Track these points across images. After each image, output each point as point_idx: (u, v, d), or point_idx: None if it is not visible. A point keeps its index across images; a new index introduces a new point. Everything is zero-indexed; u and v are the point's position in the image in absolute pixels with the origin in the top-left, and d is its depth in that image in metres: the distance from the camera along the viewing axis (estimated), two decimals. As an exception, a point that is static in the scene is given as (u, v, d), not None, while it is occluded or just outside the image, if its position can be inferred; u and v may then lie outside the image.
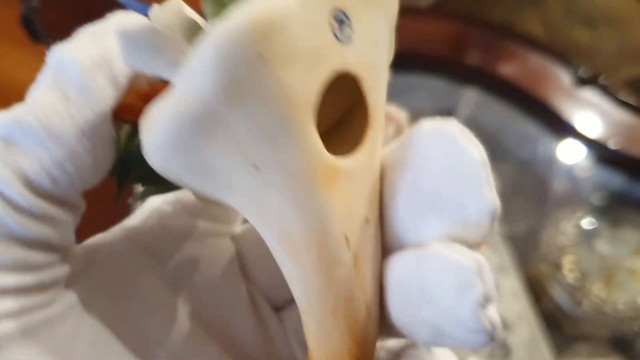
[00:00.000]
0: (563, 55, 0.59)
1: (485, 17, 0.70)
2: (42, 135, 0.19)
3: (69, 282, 0.21)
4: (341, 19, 0.19)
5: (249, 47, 0.17)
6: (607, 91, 0.58)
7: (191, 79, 0.17)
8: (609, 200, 0.60)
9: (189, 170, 0.18)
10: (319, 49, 0.19)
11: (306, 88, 0.18)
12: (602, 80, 0.61)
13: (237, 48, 0.17)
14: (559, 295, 0.57)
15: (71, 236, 0.21)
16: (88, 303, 0.21)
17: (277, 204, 0.19)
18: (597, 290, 0.57)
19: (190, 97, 0.17)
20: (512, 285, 0.58)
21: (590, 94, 0.63)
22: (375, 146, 0.20)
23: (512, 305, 0.57)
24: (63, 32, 0.39)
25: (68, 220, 0.20)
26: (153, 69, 0.18)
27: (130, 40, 0.18)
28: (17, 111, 0.19)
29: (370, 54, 0.20)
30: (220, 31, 0.17)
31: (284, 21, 0.18)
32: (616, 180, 0.57)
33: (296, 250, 0.19)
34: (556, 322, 0.58)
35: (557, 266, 0.58)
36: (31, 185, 0.19)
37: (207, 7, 0.19)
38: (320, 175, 0.19)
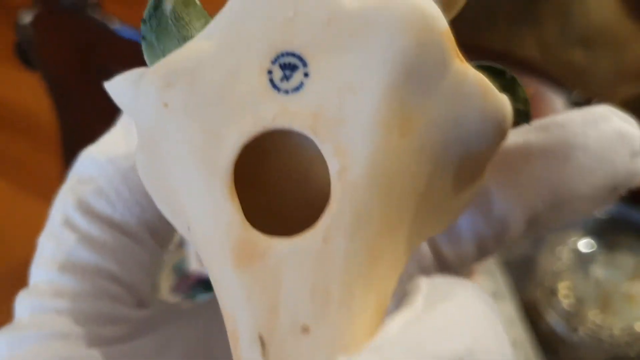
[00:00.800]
0: (557, 79, 0.59)
1: (481, 40, 0.70)
2: (105, 165, 0.21)
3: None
4: (291, 64, 0.17)
5: (152, 95, 0.17)
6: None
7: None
8: (605, 225, 0.60)
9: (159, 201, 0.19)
10: (240, 101, 0.16)
11: (217, 146, 0.16)
12: (596, 103, 0.61)
13: (144, 96, 0.17)
14: (554, 321, 0.57)
15: (144, 279, 0.21)
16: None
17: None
18: (592, 316, 0.57)
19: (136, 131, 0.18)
20: (508, 311, 0.58)
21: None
22: (336, 234, 0.16)
23: (507, 331, 0.57)
24: (57, 60, 0.40)
25: (134, 253, 0.21)
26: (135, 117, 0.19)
27: (117, 93, 0.19)
28: (92, 149, 0.22)
29: (336, 103, 0.16)
30: (140, 83, 0.17)
31: (191, 67, 0.17)
32: (611, 204, 0.57)
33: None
34: (552, 348, 0.58)
35: (553, 292, 0.58)
36: (92, 210, 0.21)
37: (145, 55, 0.19)
38: (232, 250, 0.16)
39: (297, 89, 0.16)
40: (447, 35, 0.17)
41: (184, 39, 0.18)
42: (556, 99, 0.63)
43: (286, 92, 0.16)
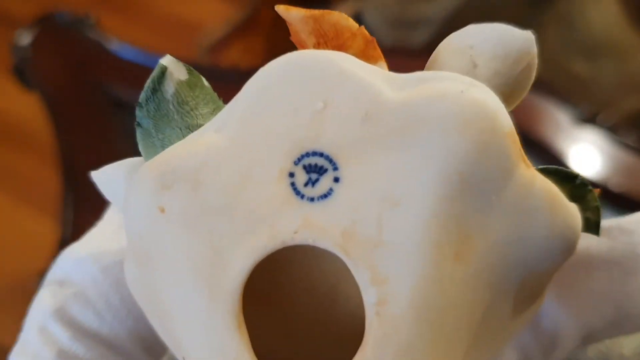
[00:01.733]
0: (562, 94, 0.58)
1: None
2: (89, 264, 0.18)
3: None
4: (318, 166, 0.14)
5: (146, 197, 0.14)
6: (607, 131, 0.58)
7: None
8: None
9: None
10: (253, 211, 0.13)
11: (223, 264, 0.13)
12: (601, 118, 0.61)
13: (135, 197, 0.14)
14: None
15: None
16: None
17: None
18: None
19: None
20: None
21: (589, 134, 0.62)
22: None
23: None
24: (55, 80, 0.39)
25: None
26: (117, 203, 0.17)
27: (101, 182, 0.16)
28: (75, 247, 0.18)
29: (374, 217, 0.13)
30: (131, 180, 0.14)
31: (194, 168, 0.14)
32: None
33: None
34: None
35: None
36: (75, 323, 0.17)
37: (139, 145, 0.16)
38: None
39: (325, 196, 0.13)
40: (512, 137, 0.14)
41: (189, 128, 0.15)
42: (560, 114, 0.62)
43: (311, 199, 0.13)
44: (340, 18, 0.15)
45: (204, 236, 0.14)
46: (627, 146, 0.55)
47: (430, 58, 0.15)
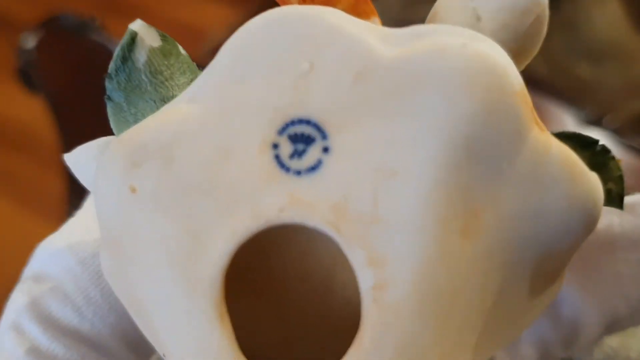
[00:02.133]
0: (567, 96, 0.58)
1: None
2: (66, 256, 0.16)
3: None
4: (304, 136, 0.12)
5: (115, 176, 0.12)
6: (612, 133, 0.58)
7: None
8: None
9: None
10: (234, 188, 0.12)
11: (201, 249, 0.12)
12: (606, 121, 0.61)
13: (104, 176, 0.13)
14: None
15: None
16: None
17: None
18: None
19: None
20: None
21: (595, 136, 0.62)
22: None
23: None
24: (60, 84, 0.39)
25: None
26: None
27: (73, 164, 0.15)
28: (52, 239, 0.17)
29: (369, 192, 0.12)
30: (99, 159, 0.13)
31: (167, 142, 0.12)
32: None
33: None
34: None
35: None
36: (53, 320, 0.16)
37: (110, 119, 0.14)
38: None
39: (313, 169, 0.12)
40: (523, 96, 0.12)
41: (164, 100, 0.14)
42: (566, 117, 0.62)
43: (298, 173, 0.12)
44: None
45: (179, 218, 0.12)
46: (632, 148, 0.55)
47: (429, 15, 0.14)
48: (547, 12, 0.13)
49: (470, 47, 0.12)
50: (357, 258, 0.11)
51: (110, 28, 0.44)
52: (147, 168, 0.12)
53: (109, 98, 0.14)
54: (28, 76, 0.42)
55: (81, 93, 0.40)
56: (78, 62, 0.42)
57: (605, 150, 0.14)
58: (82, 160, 0.14)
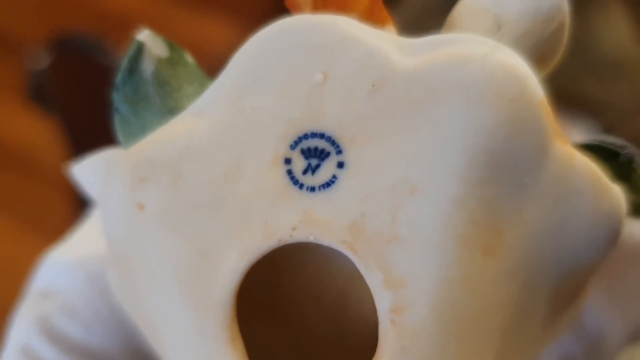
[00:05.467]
0: (573, 112, 0.59)
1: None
2: (74, 271, 0.16)
3: None
4: (318, 150, 0.11)
5: (121, 192, 0.12)
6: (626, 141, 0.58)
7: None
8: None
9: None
10: (244, 205, 0.11)
11: (211, 268, 0.11)
12: (614, 135, 0.61)
13: (110, 193, 0.12)
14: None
15: None
16: None
17: None
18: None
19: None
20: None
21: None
22: None
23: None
24: (73, 104, 0.39)
25: None
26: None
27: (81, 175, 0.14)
28: (58, 252, 0.16)
29: (388, 209, 0.11)
30: (105, 174, 0.12)
31: (174, 158, 0.11)
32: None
33: None
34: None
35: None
36: (61, 336, 0.15)
37: (118, 132, 0.14)
38: None
39: (328, 185, 0.11)
40: (545, 107, 0.11)
41: (171, 112, 0.13)
42: (573, 129, 0.63)
43: (312, 189, 0.11)
44: None
45: (188, 236, 0.11)
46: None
47: (447, 20, 0.13)
48: (568, 19, 0.13)
49: (492, 57, 0.11)
50: (374, 279, 0.11)
51: (118, 48, 0.44)
52: (154, 184, 0.12)
53: (116, 110, 0.13)
54: (41, 96, 0.42)
55: (93, 112, 0.40)
56: (90, 82, 0.42)
57: (629, 160, 0.13)
58: (89, 171, 0.14)
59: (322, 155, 0.11)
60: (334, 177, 0.11)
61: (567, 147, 0.12)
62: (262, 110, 0.12)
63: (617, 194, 0.12)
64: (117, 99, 0.13)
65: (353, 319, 0.13)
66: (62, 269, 0.16)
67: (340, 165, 0.11)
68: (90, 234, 0.17)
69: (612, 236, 0.12)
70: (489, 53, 0.11)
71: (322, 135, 0.11)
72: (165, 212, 0.12)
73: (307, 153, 0.11)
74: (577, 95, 0.74)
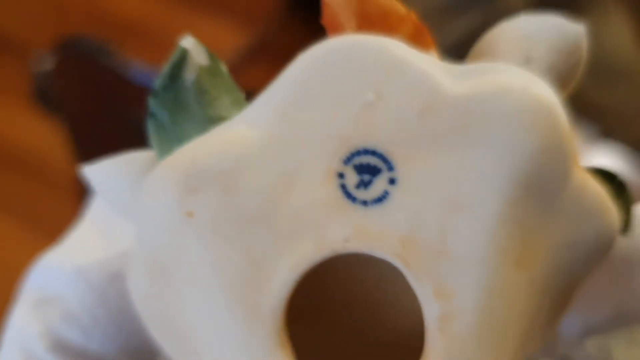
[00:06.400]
0: (575, 114, 0.59)
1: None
2: (74, 279, 0.16)
3: None
4: (370, 166, 0.12)
5: (169, 201, 0.12)
6: (620, 149, 0.58)
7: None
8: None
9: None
10: (297, 216, 0.12)
11: (262, 278, 0.12)
12: (615, 138, 0.62)
13: (154, 200, 0.12)
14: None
15: None
16: None
17: None
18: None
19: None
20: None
21: (603, 154, 0.63)
22: None
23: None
24: (78, 106, 0.40)
25: None
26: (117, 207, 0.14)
27: (96, 178, 0.14)
28: (55, 255, 0.16)
29: (436, 225, 0.12)
30: (145, 181, 0.12)
31: (228, 168, 0.12)
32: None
33: None
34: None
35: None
36: (61, 342, 0.15)
37: (151, 140, 0.14)
38: None
39: (380, 200, 0.12)
40: (571, 136, 0.13)
41: (210, 121, 0.13)
42: (577, 136, 0.63)
43: (364, 203, 0.12)
44: (388, 0, 0.13)
45: (240, 246, 0.12)
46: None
47: (479, 45, 0.14)
48: (585, 53, 0.14)
49: (531, 89, 0.12)
50: (424, 290, 0.12)
51: (130, 51, 0.45)
52: (206, 194, 0.12)
53: (152, 116, 0.13)
54: (46, 97, 0.43)
55: (98, 113, 0.41)
56: (94, 84, 0.43)
57: (623, 184, 0.15)
58: (105, 174, 0.14)
59: (374, 171, 0.12)
60: (386, 192, 0.12)
61: (582, 171, 0.13)
62: (314, 124, 0.12)
63: (615, 214, 0.14)
64: (155, 104, 0.13)
65: (385, 320, 0.14)
66: (59, 274, 0.16)
67: (392, 181, 0.12)
68: (87, 236, 0.17)
69: (607, 251, 0.14)
70: (527, 85, 0.12)
71: (374, 152, 0.12)
72: (217, 221, 0.12)
73: (360, 168, 0.12)
74: (578, 99, 0.74)
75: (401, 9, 0.13)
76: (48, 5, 0.98)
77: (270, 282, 0.12)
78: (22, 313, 0.16)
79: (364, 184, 0.12)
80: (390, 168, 0.12)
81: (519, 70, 0.13)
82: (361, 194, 0.12)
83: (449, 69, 0.13)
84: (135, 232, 0.13)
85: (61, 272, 0.16)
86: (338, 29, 0.13)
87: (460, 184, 0.12)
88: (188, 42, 0.13)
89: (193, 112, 0.13)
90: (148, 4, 0.97)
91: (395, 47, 0.12)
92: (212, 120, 0.13)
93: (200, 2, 0.96)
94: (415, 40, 0.13)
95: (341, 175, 0.12)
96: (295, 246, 0.12)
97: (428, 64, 0.12)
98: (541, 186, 0.12)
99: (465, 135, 0.12)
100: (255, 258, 0.12)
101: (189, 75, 0.13)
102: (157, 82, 0.13)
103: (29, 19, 0.99)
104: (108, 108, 0.40)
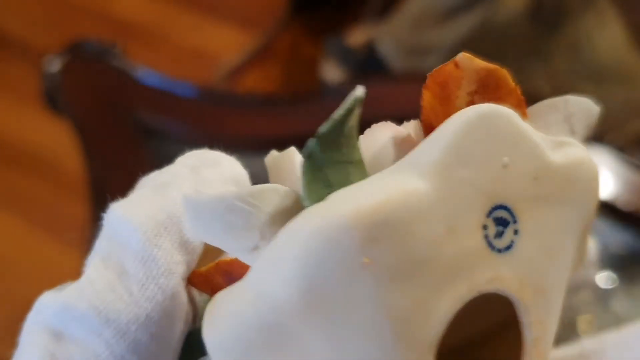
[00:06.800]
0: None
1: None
2: (97, 324, 0.15)
3: None
4: (503, 219, 0.14)
5: (346, 250, 0.13)
6: (615, 150, 0.59)
7: (264, 278, 0.13)
8: (622, 260, 0.60)
9: None
10: (456, 262, 0.14)
11: (425, 316, 0.13)
12: (609, 140, 0.62)
13: (331, 249, 0.13)
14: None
15: None
16: None
17: None
18: None
19: (260, 300, 0.13)
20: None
21: (597, 154, 0.64)
22: None
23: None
24: (85, 107, 0.40)
25: None
26: (225, 248, 0.14)
27: (199, 212, 0.14)
28: (67, 294, 0.15)
29: (540, 269, 0.15)
30: (311, 222, 0.13)
31: (406, 219, 0.13)
32: (627, 239, 0.58)
33: None
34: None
35: (572, 326, 0.58)
36: None
37: (304, 181, 0.14)
38: None
39: (508, 248, 0.14)
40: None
41: (351, 163, 0.14)
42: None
43: (499, 251, 0.14)
44: (506, 74, 0.15)
45: (408, 288, 0.13)
46: (635, 165, 0.56)
47: (533, 112, 0.17)
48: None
49: (592, 160, 0.16)
50: (528, 319, 0.15)
51: (133, 51, 0.46)
52: (386, 243, 0.13)
53: (311, 157, 0.14)
54: (53, 99, 0.43)
55: (105, 116, 0.42)
56: (101, 86, 0.44)
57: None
58: (208, 212, 0.14)
59: (505, 223, 0.14)
60: (512, 242, 0.14)
61: None
62: (468, 181, 0.14)
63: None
64: (317, 147, 0.14)
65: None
66: (84, 320, 0.15)
67: (516, 232, 0.14)
68: (107, 278, 0.15)
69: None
70: (590, 157, 0.16)
71: (505, 207, 0.14)
72: (394, 268, 0.13)
73: (497, 221, 0.14)
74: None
75: (511, 82, 0.15)
76: (57, 9, 0.99)
77: (431, 319, 0.13)
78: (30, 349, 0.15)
79: (499, 235, 0.14)
80: (515, 221, 0.14)
81: (580, 144, 0.16)
82: (497, 243, 0.14)
83: (544, 138, 0.15)
84: (258, 283, 0.13)
85: (85, 318, 0.15)
86: (447, 95, 0.15)
87: (556, 236, 0.15)
88: (361, 91, 0.14)
89: (341, 155, 0.14)
90: (154, 7, 0.98)
91: (517, 118, 0.15)
92: (353, 163, 0.14)
93: (205, 5, 0.97)
94: (518, 110, 0.15)
95: (485, 227, 0.14)
96: (452, 288, 0.14)
97: (535, 135, 0.15)
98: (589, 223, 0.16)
99: (561, 196, 0.15)
100: (419, 298, 0.13)
101: (352, 121, 0.14)
102: (325, 126, 0.14)
103: (38, 22, 1.00)
104: (114, 109, 0.41)
